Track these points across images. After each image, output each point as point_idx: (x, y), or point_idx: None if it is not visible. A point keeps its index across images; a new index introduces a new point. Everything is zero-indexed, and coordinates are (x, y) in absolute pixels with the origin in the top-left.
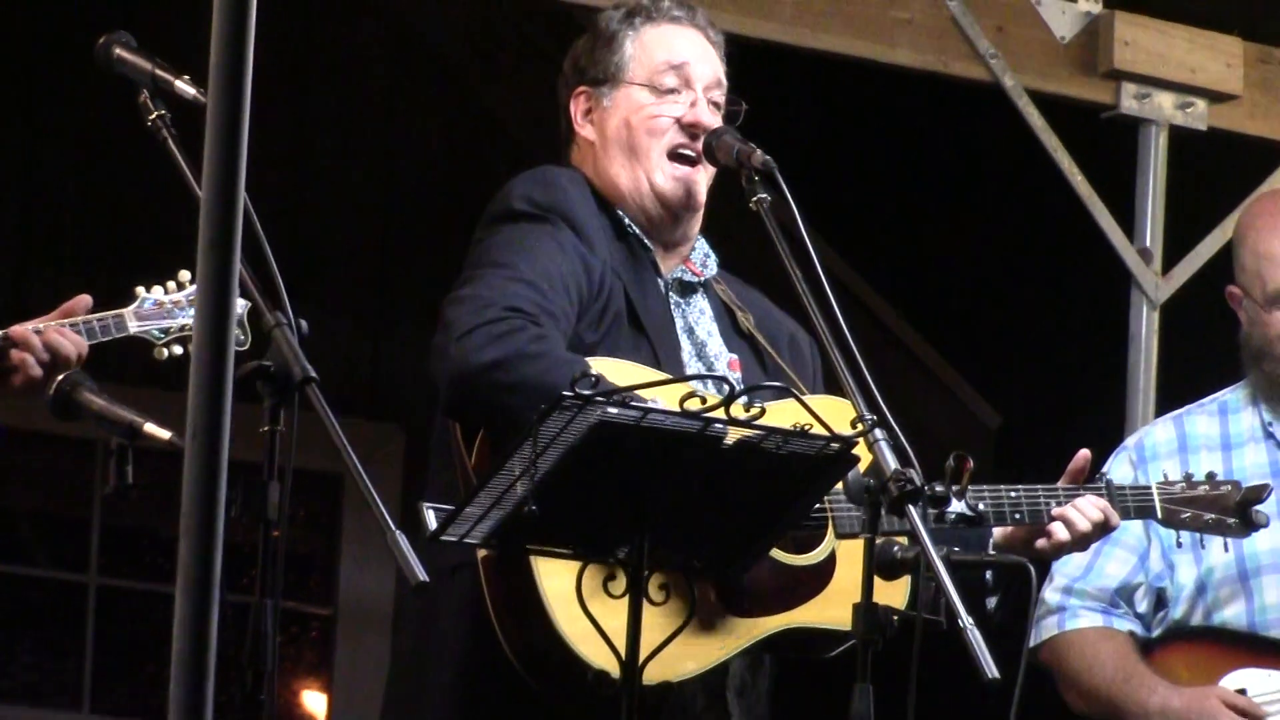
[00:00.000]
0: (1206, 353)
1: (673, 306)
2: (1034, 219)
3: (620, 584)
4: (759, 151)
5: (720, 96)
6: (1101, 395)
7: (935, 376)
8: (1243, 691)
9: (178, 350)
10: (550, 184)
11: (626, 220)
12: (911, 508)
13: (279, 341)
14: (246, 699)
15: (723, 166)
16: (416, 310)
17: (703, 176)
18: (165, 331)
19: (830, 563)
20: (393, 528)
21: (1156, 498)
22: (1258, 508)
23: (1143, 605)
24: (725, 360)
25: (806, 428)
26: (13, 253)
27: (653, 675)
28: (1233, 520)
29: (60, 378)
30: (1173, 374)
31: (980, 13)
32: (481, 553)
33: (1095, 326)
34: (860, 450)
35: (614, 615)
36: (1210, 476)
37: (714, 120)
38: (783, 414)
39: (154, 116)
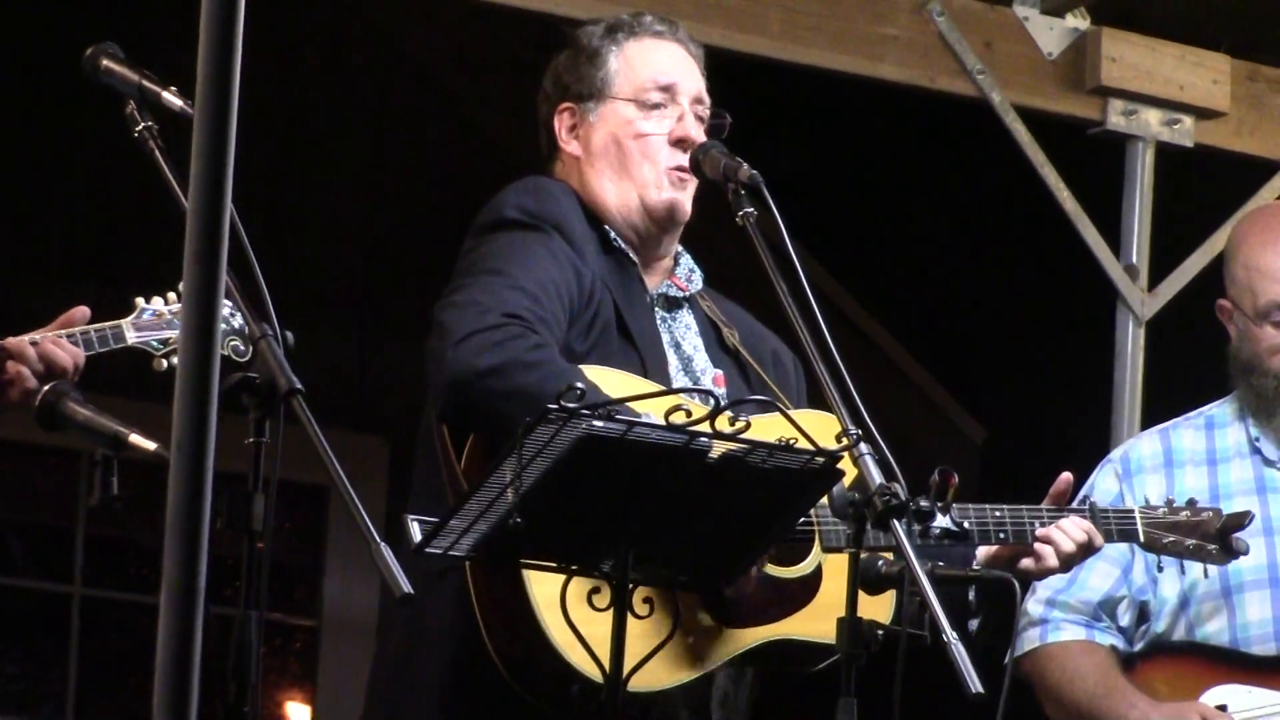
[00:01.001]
0: (1192, 369)
1: (659, 321)
2: (1020, 235)
3: (605, 596)
4: (746, 166)
5: (704, 110)
6: (1087, 411)
7: (921, 391)
8: (1223, 708)
9: (176, 362)
10: (542, 193)
11: (612, 235)
12: (896, 522)
13: (265, 353)
14: (230, 710)
15: (710, 181)
16: (403, 323)
17: (690, 190)
18: (164, 343)
19: (817, 576)
20: (377, 540)
21: (1139, 522)
22: (1238, 535)
23: (1125, 619)
24: (710, 375)
25: (792, 442)
26: (2, 263)
27: (641, 685)
28: (1213, 547)
29: (46, 388)
30: (1158, 390)
31: (967, 29)
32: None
33: (1081, 342)
34: (846, 465)
35: (600, 625)
36: (1191, 503)
37: (700, 134)
38: (768, 428)
39: (141, 128)
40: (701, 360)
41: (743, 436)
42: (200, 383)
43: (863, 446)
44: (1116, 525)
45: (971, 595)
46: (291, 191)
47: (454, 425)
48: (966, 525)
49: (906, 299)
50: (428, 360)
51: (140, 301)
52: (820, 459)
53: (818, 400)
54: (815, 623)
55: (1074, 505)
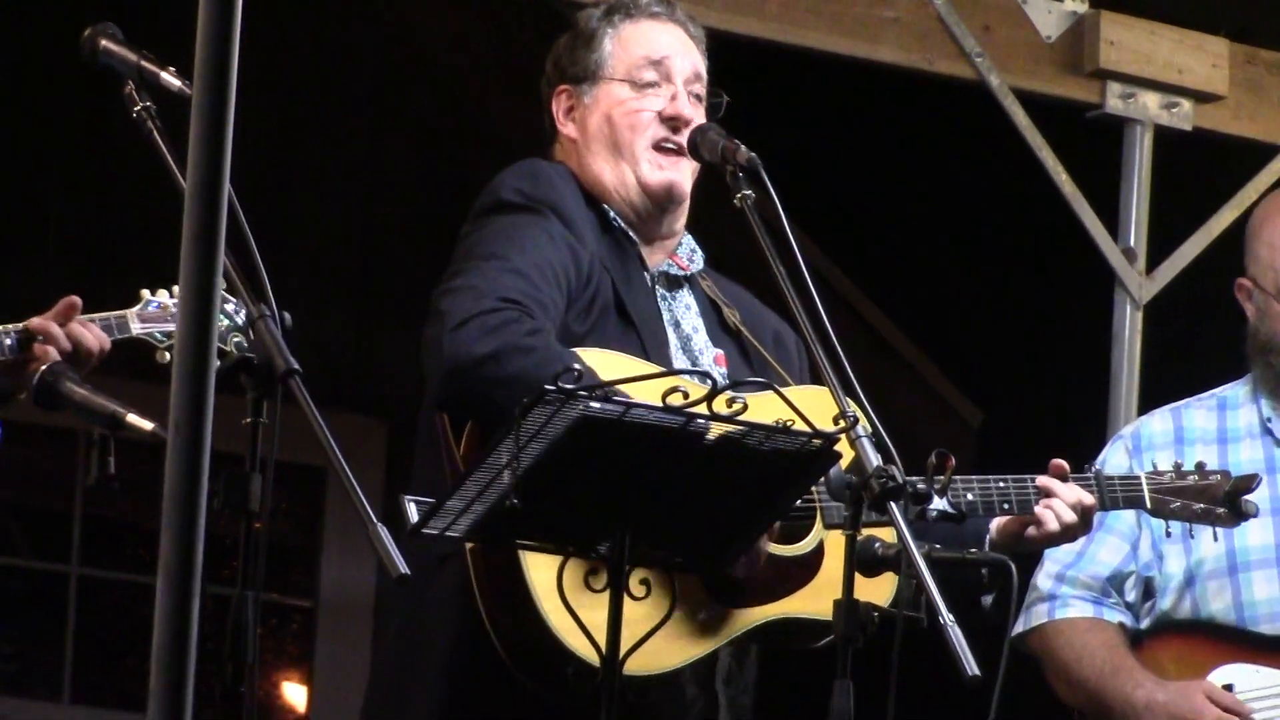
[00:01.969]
0: (1190, 352)
1: (659, 300)
2: (1018, 218)
3: (602, 578)
4: (744, 148)
5: (701, 89)
6: (1084, 394)
7: (918, 374)
8: (1230, 687)
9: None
10: (539, 176)
11: (612, 214)
12: (893, 504)
13: (262, 334)
14: (227, 691)
15: (708, 163)
16: (401, 304)
17: (686, 170)
18: (168, 335)
19: (818, 553)
20: (374, 521)
21: (1145, 487)
22: (1246, 497)
23: (1132, 594)
24: (711, 355)
25: (789, 423)
26: None
27: (642, 667)
28: (1221, 510)
29: (44, 368)
30: (1155, 373)
31: (966, 12)
32: (470, 543)
33: (1079, 325)
34: (843, 447)
35: (599, 608)
36: (1199, 466)
37: (695, 112)
38: (766, 409)
39: (139, 108)
40: (701, 340)
41: (740, 418)
42: (198, 363)
43: (860, 429)
44: (1122, 492)
45: (985, 571)
46: (289, 173)
47: (452, 412)
48: (971, 497)
49: (903, 282)
50: (425, 347)
51: (145, 293)
52: (817, 441)
53: (817, 382)
54: (817, 600)
55: (1077, 475)
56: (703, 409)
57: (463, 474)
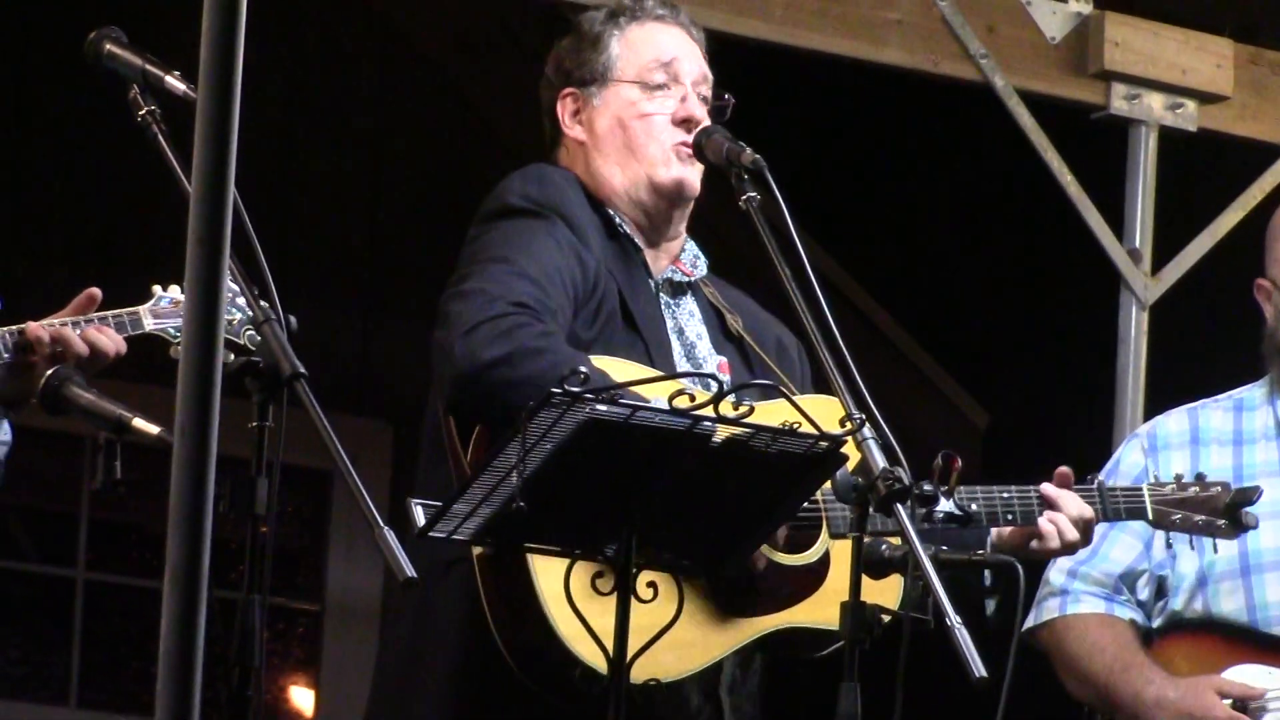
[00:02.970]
0: (1195, 354)
1: (663, 307)
2: (1023, 219)
3: (609, 580)
4: (749, 150)
5: (707, 91)
6: (1090, 396)
7: (924, 376)
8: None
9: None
10: (545, 180)
11: (618, 220)
12: (899, 507)
13: (268, 337)
14: (233, 695)
15: (713, 165)
16: (406, 306)
17: (698, 170)
18: (180, 330)
19: (824, 563)
20: (380, 524)
21: (1148, 499)
22: (1247, 509)
23: (1144, 593)
24: (714, 363)
25: (795, 426)
26: (2, 246)
27: (650, 674)
28: (1222, 522)
29: (49, 372)
30: (1161, 375)
31: (971, 13)
32: (477, 550)
33: (1084, 327)
34: (849, 449)
35: (607, 613)
36: (1200, 477)
37: (704, 114)
38: (771, 413)
39: (144, 112)
40: (705, 347)
41: (746, 421)
42: (203, 367)
43: (866, 431)
44: (1125, 504)
45: (987, 575)
46: (294, 176)
47: (463, 416)
48: (974, 507)
49: (909, 284)
50: (435, 352)
51: (158, 289)
52: (824, 443)
53: (823, 385)
54: (824, 609)
55: (1080, 485)
56: (709, 412)
57: (469, 477)
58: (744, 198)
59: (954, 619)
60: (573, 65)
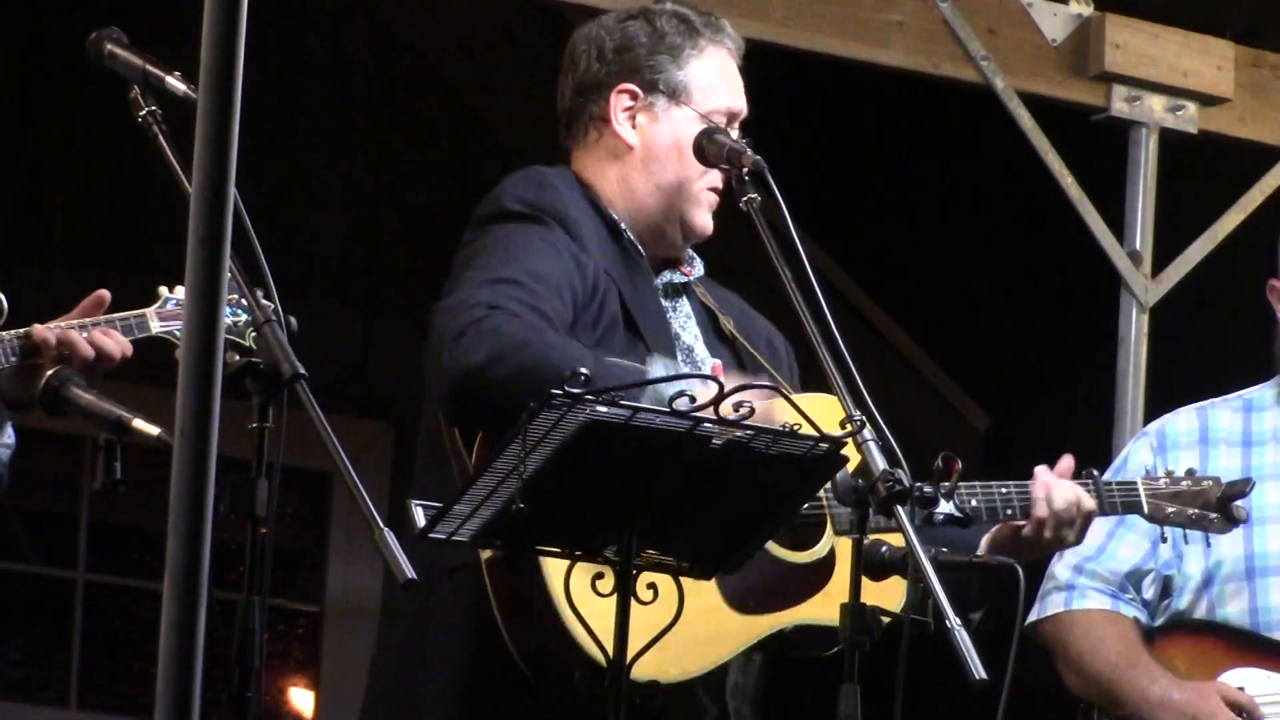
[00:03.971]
0: (1196, 356)
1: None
2: (1024, 221)
3: (608, 583)
4: (749, 151)
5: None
6: (1090, 398)
7: (924, 378)
8: (1240, 690)
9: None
10: (543, 184)
11: (623, 225)
12: (899, 508)
13: (268, 338)
14: (234, 696)
15: (713, 166)
16: (406, 308)
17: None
18: None
19: (830, 559)
20: (380, 525)
21: (1142, 493)
22: (1238, 503)
23: (1149, 592)
24: (709, 365)
25: (795, 427)
26: (3, 247)
27: (658, 673)
28: (1214, 516)
29: (50, 373)
30: (1162, 377)
31: (971, 15)
32: (486, 554)
33: (1084, 329)
34: (849, 450)
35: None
36: (1190, 472)
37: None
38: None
39: (145, 113)
40: (701, 350)
41: (746, 422)
42: (204, 368)
43: (866, 432)
44: (1120, 498)
45: (974, 586)
46: (294, 177)
47: (467, 425)
48: (975, 503)
49: (909, 285)
50: (426, 368)
51: (164, 291)
52: (824, 445)
53: (817, 385)
54: (830, 607)
55: (1078, 479)
56: (709, 413)
57: (469, 478)
58: (744, 198)
59: (954, 621)
60: (644, 62)
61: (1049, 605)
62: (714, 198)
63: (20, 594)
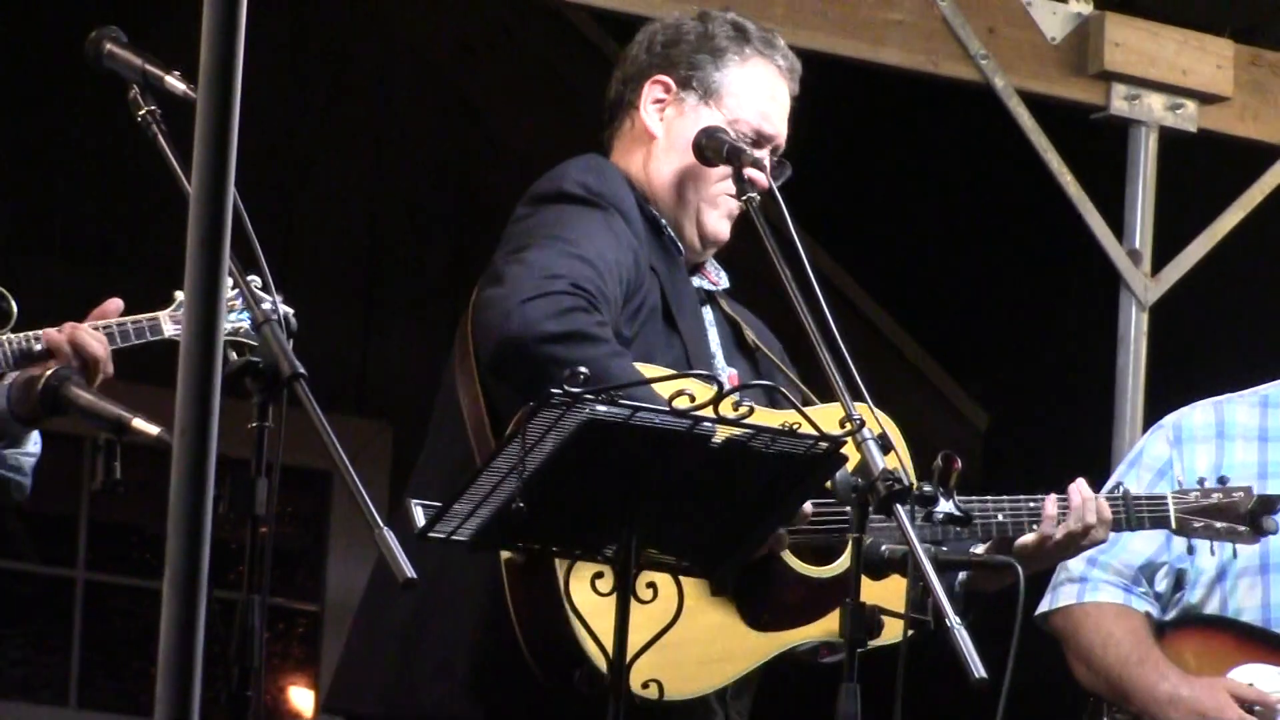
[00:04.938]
0: (1195, 354)
1: None
2: (1023, 220)
3: (608, 582)
4: (749, 150)
5: (781, 143)
6: (1090, 396)
7: (924, 377)
8: (1250, 686)
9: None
10: (604, 172)
11: (663, 221)
12: (899, 507)
13: (267, 338)
14: (233, 695)
15: (713, 165)
16: (405, 308)
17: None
18: None
19: (848, 575)
20: (380, 524)
21: (1171, 508)
22: (1268, 516)
23: (1162, 585)
24: (726, 376)
25: (795, 427)
26: (2, 246)
27: (681, 690)
28: (1243, 529)
29: (49, 372)
30: (1161, 375)
31: (971, 13)
32: (505, 554)
33: (1084, 327)
34: (849, 450)
35: (643, 619)
36: (1223, 481)
37: (767, 179)
38: (773, 417)
39: (144, 112)
40: (720, 360)
41: (746, 421)
42: (203, 367)
43: (865, 431)
44: (1149, 512)
45: (957, 590)
46: (294, 176)
47: (500, 377)
48: (1001, 519)
49: (909, 284)
50: (485, 308)
51: (179, 295)
52: (823, 444)
53: (822, 388)
54: None
55: (1108, 490)
56: (709, 412)
57: (468, 478)
58: (744, 197)
59: (954, 620)
60: (682, 58)
61: (1061, 596)
62: (733, 205)
63: (20, 593)
